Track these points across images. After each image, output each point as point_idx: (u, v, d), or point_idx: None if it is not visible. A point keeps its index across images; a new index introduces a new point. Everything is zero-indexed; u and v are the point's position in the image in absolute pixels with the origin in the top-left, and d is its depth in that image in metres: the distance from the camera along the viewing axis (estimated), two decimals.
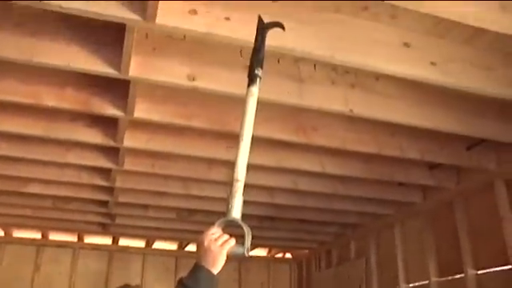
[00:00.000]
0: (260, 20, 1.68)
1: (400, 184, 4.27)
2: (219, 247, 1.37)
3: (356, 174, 3.85)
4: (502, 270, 3.57)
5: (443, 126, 2.95)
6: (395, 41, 2.33)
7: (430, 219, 4.50)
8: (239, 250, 1.40)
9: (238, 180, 1.44)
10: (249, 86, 1.58)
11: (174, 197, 4.64)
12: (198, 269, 1.37)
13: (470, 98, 2.77)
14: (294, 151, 3.57)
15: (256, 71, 1.59)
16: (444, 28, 2.34)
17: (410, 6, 1.88)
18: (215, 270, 1.37)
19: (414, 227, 4.73)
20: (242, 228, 1.41)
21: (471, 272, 3.86)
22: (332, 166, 3.72)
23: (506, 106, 2.84)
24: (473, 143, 3.43)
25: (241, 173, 1.45)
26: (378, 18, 2.28)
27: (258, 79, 1.59)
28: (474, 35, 2.38)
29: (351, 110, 2.71)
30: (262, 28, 1.66)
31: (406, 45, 2.35)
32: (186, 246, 7.10)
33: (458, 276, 4.02)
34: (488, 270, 3.74)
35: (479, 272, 3.82)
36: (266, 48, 1.95)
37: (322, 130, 3.18)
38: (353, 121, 3.17)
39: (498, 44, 2.45)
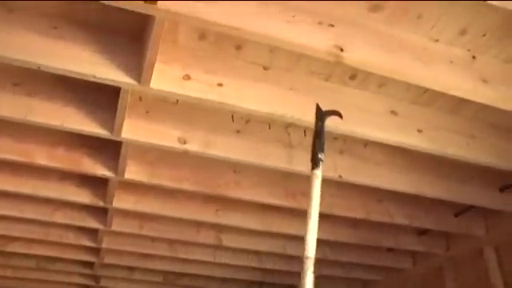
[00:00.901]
0: (318, 108, 1.77)
1: (389, 250, 4.24)
2: None
3: (344, 240, 3.83)
4: None
5: (430, 193, 2.97)
6: (383, 109, 2.40)
7: (420, 285, 4.43)
8: None
9: (308, 257, 1.49)
10: (313, 168, 1.67)
11: (161, 259, 4.56)
12: None
13: (458, 164, 2.80)
14: (283, 216, 3.56)
15: (319, 155, 1.70)
16: (430, 97, 2.43)
17: (396, 76, 1.95)
18: None
19: None
20: None
21: None
22: (320, 231, 3.67)
23: (493, 173, 2.89)
24: (461, 209, 3.44)
25: (311, 250, 1.50)
26: (366, 86, 2.36)
27: (320, 162, 1.68)
28: (459, 104, 2.46)
29: (340, 176, 2.74)
30: (322, 115, 1.76)
31: (393, 113, 2.42)
32: None
33: None
34: None
35: None
36: (254, 114, 1.98)
37: None
38: (341, 186, 3.18)
39: (482, 114, 2.53)
